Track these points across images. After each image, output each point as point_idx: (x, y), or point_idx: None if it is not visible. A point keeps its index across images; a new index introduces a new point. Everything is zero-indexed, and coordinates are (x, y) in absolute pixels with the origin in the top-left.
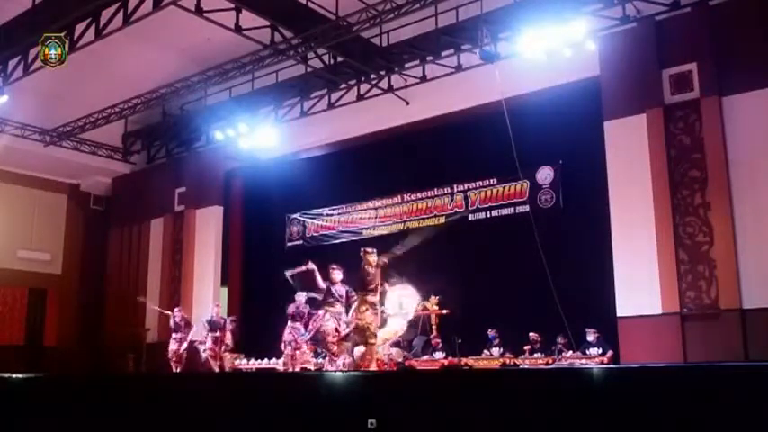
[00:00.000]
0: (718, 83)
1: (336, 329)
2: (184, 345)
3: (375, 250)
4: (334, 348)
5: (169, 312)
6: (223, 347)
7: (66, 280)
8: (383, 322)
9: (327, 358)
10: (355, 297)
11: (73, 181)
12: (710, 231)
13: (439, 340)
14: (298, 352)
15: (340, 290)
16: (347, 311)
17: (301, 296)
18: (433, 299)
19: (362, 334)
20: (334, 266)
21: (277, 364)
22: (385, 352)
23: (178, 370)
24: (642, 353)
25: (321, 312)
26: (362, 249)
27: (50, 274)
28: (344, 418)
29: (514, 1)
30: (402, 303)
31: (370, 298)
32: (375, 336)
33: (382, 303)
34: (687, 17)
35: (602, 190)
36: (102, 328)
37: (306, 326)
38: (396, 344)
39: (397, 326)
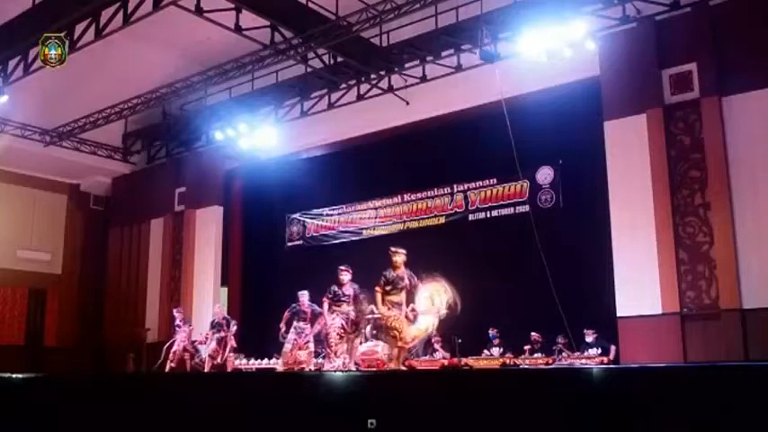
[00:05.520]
0: (718, 83)
1: (342, 327)
2: (182, 344)
3: (404, 251)
4: (335, 347)
5: None
6: (228, 349)
7: (66, 280)
8: (413, 320)
9: (326, 357)
10: (363, 295)
11: (73, 181)
12: (710, 231)
13: (439, 339)
14: (299, 352)
15: (348, 290)
16: (355, 309)
17: (304, 295)
18: (438, 278)
19: (387, 333)
20: (343, 267)
21: (277, 364)
22: (385, 352)
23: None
24: (642, 353)
25: (327, 314)
26: (391, 249)
27: (50, 274)
28: (344, 418)
29: (514, 1)
30: (434, 300)
31: (392, 298)
32: (400, 335)
33: (412, 301)
34: (687, 17)
35: (602, 190)
36: (102, 328)
37: (312, 324)
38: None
39: (428, 323)
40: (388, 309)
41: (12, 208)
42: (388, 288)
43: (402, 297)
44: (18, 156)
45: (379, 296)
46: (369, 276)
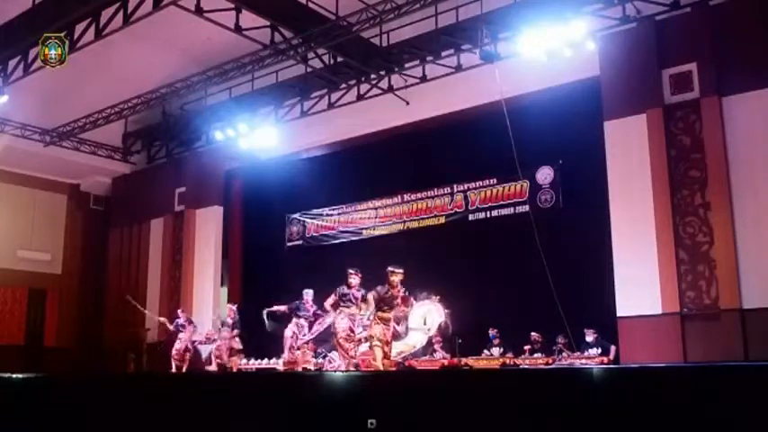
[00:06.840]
0: (718, 83)
1: (351, 329)
2: (185, 344)
3: (402, 270)
4: (348, 346)
5: (162, 319)
6: (229, 349)
7: (66, 280)
8: (400, 336)
9: (340, 356)
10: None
11: (73, 181)
12: (710, 231)
13: (440, 339)
14: (299, 352)
15: (356, 293)
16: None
17: (309, 294)
18: (434, 299)
19: (371, 344)
20: (352, 271)
21: (277, 364)
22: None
23: (183, 369)
24: (642, 353)
25: (333, 314)
26: (389, 269)
27: (50, 274)
28: (344, 418)
29: (514, 1)
30: (426, 320)
31: (382, 314)
32: (378, 347)
33: (405, 319)
34: (687, 17)
35: (602, 190)
36: (102, 328)
37: (311, 326)
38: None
39: (416, 340)
40: (377, 323)
41: (12, 208)
42: (380, 305)
43: (392, 315)
44: (18, 156)
45: (372, 305)
46: (369, 276)
